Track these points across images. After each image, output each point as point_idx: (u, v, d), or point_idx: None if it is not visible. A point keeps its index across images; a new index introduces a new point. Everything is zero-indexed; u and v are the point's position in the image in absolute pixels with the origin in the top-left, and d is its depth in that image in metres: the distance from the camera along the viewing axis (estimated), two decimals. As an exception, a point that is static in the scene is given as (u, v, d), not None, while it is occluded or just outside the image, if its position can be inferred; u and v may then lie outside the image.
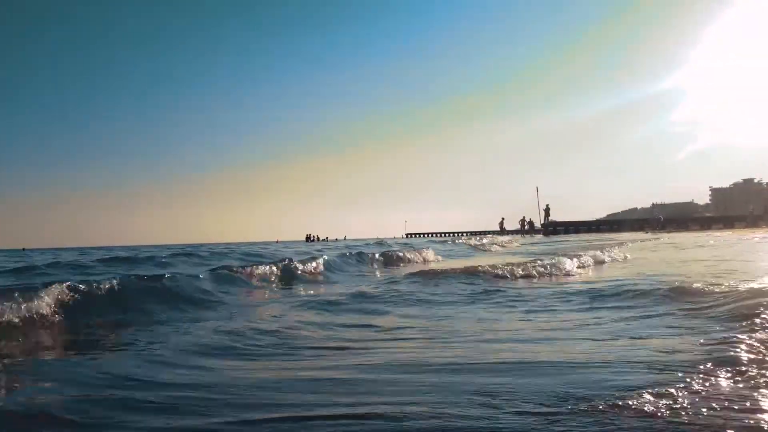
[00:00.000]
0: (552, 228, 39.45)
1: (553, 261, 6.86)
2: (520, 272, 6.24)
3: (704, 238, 16.88)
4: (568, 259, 7.13)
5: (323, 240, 60.21)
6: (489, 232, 63.83)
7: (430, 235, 79.57)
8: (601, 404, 1.55)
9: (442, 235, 77.81)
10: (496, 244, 17.47)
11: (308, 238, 50.34)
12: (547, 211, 38.74)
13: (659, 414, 1.45)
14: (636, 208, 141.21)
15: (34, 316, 3.40)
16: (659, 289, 3.94)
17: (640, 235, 24.90)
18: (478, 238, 20.76)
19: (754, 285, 3.61)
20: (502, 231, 38.79)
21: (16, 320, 3.26)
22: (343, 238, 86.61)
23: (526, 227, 37.95)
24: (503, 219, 38.91)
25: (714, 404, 1.50)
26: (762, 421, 1.37)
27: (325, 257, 8.16)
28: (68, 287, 3.82)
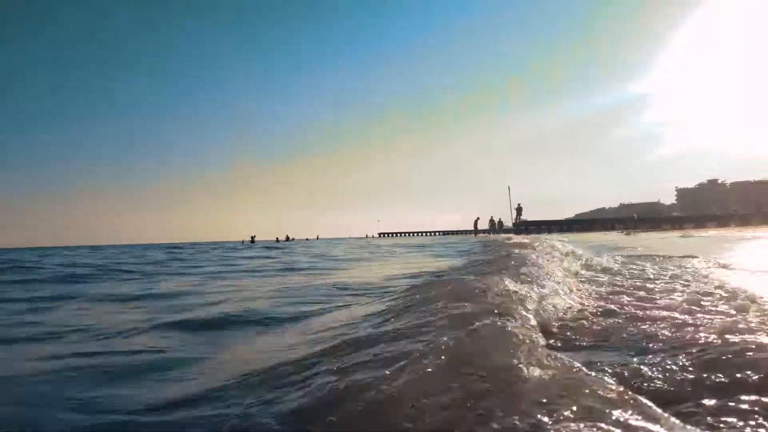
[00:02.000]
0: (524, 227, 39.04)
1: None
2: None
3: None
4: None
5: (292, 240, 58.00)
6: (462, 232, 63.11)
7: (403, 235, 78.56)
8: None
9: (416, 234, 76.94)
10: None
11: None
12: (519, 210, 38.19)
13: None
14: (604, 208, 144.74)
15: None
16: None
17: (614, 235, 24.13)
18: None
19: None
20: (476, 231, 38.14)
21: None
22: (315, 237, 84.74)
23: (496, 227, 37.70)
24: (478, 219, 38.43)
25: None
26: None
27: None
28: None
